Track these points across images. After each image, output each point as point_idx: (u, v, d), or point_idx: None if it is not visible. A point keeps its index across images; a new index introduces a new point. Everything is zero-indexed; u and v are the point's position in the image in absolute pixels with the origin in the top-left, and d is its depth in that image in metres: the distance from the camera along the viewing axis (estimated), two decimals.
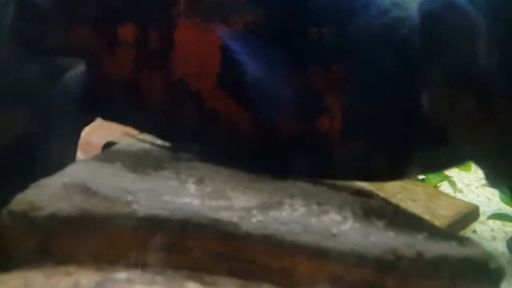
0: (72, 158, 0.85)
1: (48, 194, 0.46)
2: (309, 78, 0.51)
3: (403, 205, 0.57)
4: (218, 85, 0.53)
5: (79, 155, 0.88)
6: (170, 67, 0.54)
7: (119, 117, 0.61)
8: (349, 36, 0.50)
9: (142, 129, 0.63)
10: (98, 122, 0.97)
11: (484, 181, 1.18)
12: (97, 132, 0.94)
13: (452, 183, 1.26)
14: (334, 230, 0.46)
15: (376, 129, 0.50)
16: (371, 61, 0.50)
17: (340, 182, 0.57)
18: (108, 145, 0.83)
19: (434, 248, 0.45)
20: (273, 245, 0.45)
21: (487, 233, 1.11)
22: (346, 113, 0.50)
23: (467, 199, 1.11)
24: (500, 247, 1.04)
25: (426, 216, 0.56)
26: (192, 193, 0.49)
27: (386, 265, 0.44)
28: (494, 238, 1.09)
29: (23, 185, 0.49)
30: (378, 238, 0.45)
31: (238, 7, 0.52)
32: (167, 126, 0.58)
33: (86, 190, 0.47)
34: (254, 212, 0.47)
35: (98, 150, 0.84)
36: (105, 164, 0.54)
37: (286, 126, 0.52)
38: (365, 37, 0.50)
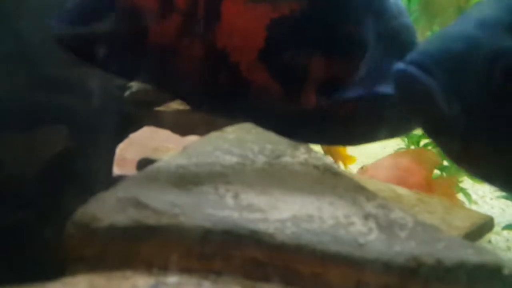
0: (109, 173, 0.91)
1: (105, 207, 0.52)
2: (332, 65, 0.60)
3: (420, 217, 0.62)
4: (259, 59, 0.59)
5: (115, 170, 0.94)
6: (213, 37, 0.59)
7: (154, 79, 0.64)
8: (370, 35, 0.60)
9: (173, 92, 0.68)
10: (130, 139, 1.04)
11: (498, 193, 1.22)
12: (130, 149, 1.00)
13: (467, 195, 1.30)
14: (361, 240, 0.51)
15: None
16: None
17: (364, 196, 0.62)
18: (143, 161, 0.89)
19: (453, 256, 0.50)
20: (306, 254, 0.50)
21: (502, 243, 1.14)
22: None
23: (482, 211, 1.14)
24: None
25: (443, 227, 0.60)
26: (231, 207, 0.55)
27: (409, 272, 0.48)
28: (509, 248, 1.13)
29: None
30: (401, 248, 0.50)
31: None
32: (200, 90, 0.63)
33: (138, 203, 0.53)
34: (288, 224, 0.53)
35: (132, 165, 0.91)
36: (152, 180, 0.60)
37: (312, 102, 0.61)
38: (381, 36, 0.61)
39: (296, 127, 0.66)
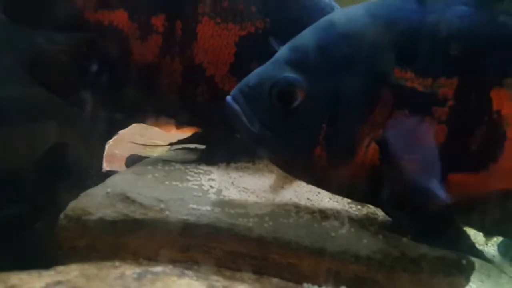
0: (98, 168, 0.94)
1: (95, 202, 0.55)
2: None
3: None
4: (230, 71, 0.70)
5: (105, 165, 0.96)
6: (191, 54, 0.70)
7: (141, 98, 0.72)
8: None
9: (157, 109, 0.75)
10: (120, 135, 1.07)
11: None
12: (120, 145, 1.03)
13: None
14: (333, 234, 0.55)
15: None
16: None
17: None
18: (131, 157, 0.92)
19: (416, 248, 0.54)
20: (282, 246, 0.54)
21: (480, 238, 1.19)
22: None
23: None
24: (491, 250, 1.12)
25: None
26: (214, 202, 0.59)
27: (376, 262, 0.53)
28: (486, 243, 1.18)
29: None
30: (369, 240, 0.54)
31: (250, 14, 0.70)
32: (182, 102, 0.72)
33: (126, 199, 0.56)
34: (266, 218, 0.56)
35: (121, 161, 0.94)
36: (139, 177, 0.63)
37: None
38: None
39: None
